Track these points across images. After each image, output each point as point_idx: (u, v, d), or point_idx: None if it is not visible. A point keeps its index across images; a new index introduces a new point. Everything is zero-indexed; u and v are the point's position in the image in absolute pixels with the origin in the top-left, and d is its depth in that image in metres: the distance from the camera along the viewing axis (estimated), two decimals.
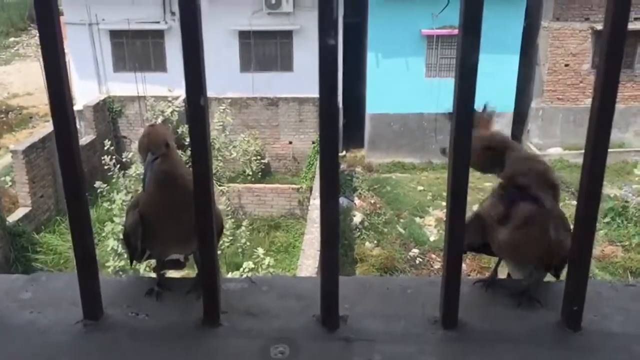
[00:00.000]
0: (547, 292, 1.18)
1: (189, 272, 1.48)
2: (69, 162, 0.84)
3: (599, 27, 15.83)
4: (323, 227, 0.87)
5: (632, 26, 15.99)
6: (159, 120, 13.00)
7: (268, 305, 1.11)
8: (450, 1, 15.11)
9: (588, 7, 15.87)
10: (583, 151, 0.94)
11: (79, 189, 0.86)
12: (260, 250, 9.84)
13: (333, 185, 0.83)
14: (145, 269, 6.86)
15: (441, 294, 0.94)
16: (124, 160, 12.55)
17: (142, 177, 1.26)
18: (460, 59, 0.76)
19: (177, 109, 13.93)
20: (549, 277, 1.31)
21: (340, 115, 14.93)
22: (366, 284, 1.19)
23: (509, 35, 15.77)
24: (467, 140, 0.82)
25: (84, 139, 14.20)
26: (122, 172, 11.63)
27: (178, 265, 1.45)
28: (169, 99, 14.51)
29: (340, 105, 15.15)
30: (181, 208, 1.20)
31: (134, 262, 1.41)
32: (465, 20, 0.74)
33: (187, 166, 1.23)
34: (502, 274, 1.35)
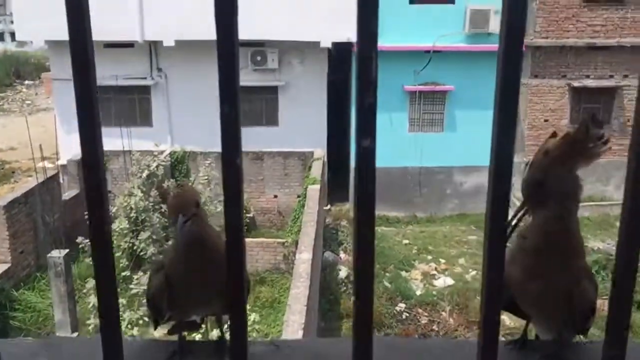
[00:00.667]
0: (579, 353, 1.15)
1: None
2: (98, 220, 0.82)
3: (575, 83, 16.33)
4: (357, 293, 0.85)
5: (607, 83, 16.53)
6: (145, 174, 12.97)
7: None
8: (432, 59, 15.55)
9: (565, 65, 16.38)
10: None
11: (106, 250, 0.84)
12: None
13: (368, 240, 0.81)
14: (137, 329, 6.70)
15: (478, 357, 0.90)
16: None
17: (173, 236, 1.25)
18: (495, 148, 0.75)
19: (162, 163, 13.94)
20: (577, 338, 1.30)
21: (325, 170, 15.04)
22: (392, 346, 1.16)
23: (489, 92, 16.13)
24: (506, 183, 0.80)
25: (67, 194, 14.10)
26: None
27: (194, 326, 1.43)
28: (155, 153, 14.54)
29: (325, 159, 15.29)
30: (210, 269, 1.20)
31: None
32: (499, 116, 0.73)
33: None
34: (531, 335, 1.33)
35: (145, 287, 1.34)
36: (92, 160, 0.77)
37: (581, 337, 1.29)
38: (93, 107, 0.75)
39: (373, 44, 0.65)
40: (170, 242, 11.99)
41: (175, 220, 1.20)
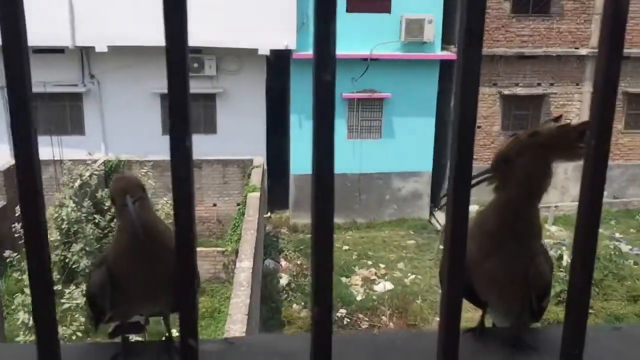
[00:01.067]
0: (537, 337, 1.17)
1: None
2: (33, 224, 0.77)
3: (506, 91, 16.96)
4: (316, 275, 0.83)
5: (535, 91, 17.24)
6: (77, 184, 12.53)
7: None
8: (369, 66, 15.79)
9: (495, 73, 16.98)
10: None
11: (42, 250, 0.79)
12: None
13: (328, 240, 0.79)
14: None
15: (439, 346, 0.89)
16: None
17: (124, 223, 1.16)
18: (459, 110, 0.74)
19: (96, 172, 13.50)
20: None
21: (265, 177, 14.97)
22: (353, 341, 1.15)
23: (424, 99, 16.56)
24: (467, 179, 0.80)
25: None
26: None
27: (137, 328, 1.34)
28: (88, 162, 14.07)
29: (265, 167, 15.22)
30: (158, 260, 1.13)
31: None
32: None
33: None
34: (487, 324, 1.33)
35: (84, 287, 1.27)
36: (29, 170, 0.73)
37: (537, 324, 1.32)
38: (29, 116, 0.71)
39: (332, 19, 0.64)
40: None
41: (123, 203, 1.14)
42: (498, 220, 1.20)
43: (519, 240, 1.21)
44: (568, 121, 1.17)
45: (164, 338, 1.18)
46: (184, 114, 0.75)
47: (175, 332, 1.08)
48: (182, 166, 0.76)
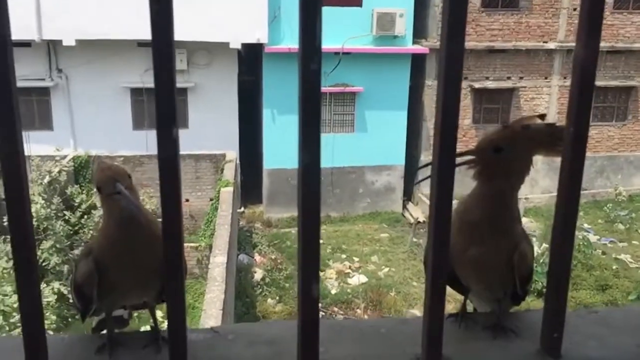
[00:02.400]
0: (518, 321, 1.19)
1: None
2: (16, 210, 0.76)
3: (476, 85, 17.15)
4: (303, 262, 0.83)
5: (505, 84, 17.46)
6: (46, 180, 12.30)
7: (238, 354, 1.03)
8: (341, 60, 15.80)
9: (466, 67, 17.13)
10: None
11: (27, 236, 0.77)
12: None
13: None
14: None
15: (424, 330, 0.90)
16: (4, 224, 11.67)
17: (111, 212, 1.15)
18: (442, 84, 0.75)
19: (65, 168, 13.26)
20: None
21: (238, 172, 14.89)
22: (337, 327, 1.15)
23: (396, 93, 16.65)
24: (451, 162, 0.81)
25: None
26: (3, 237, 10.79)
27: (121, 322, 1.34)
28: (56, 158, 13.82)
29: (237, 161, 15.14)
30: (145, 247, 1.13)
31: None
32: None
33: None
34: (469, 309, 1.36)
35: (70, 277, 1.25)
36: (13, 166, 0.72)
37: (518, 308, 1.34)
38: (13, 112, 0.70)
39: (317, 8, 0.64)
40: (74, 251, 11.44)
41: (113, 191, 1.12)
42: (482, 210, 1.22)
43: (503, 229, 1.24)
44: (553, 121, 1.22)
45: (149, 328, 1.17)
46: (170, 108, 0.75)
47: (161, 322, 1.07)
48: (169, 155, 0.76)
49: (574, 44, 0.79)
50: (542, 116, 1.23)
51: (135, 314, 1.50)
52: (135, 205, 1.14)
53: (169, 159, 0.76)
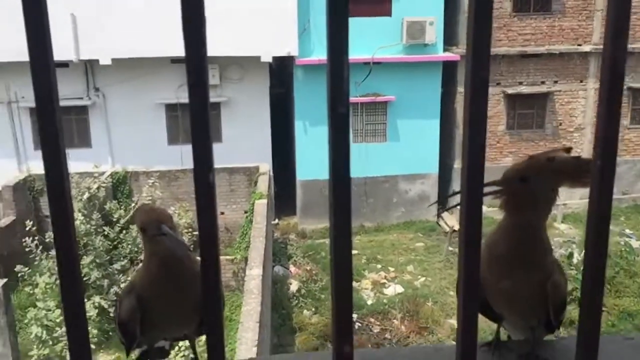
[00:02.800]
0: (552, 350, 1.17)
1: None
2: (65, 243, 0.79)
3: (510, 91, 16.93)
4: (336, 309, 0.83)
5: (539, 89, 17.21)
6: (85, 197, 12.58)
7: None
8: (372, 70, 15.81)
9: (498, 73, 16.96)
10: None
11: (75, 271, 0.80)
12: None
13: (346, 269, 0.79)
14: None
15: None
16: (47, 240, 11.97)
17: (153, 251, 1.20)
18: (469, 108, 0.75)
19: (103, 184, 13.56)
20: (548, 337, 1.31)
21: (272, 184, 14.99)
22: (372, 358, 1.15)
23: (428, 101, 16.55)
24: (479, 187, 0.80)
25: (3, 221, 13.49)
26: (45, 253, 11.07)
27: (162, 353, 1.39)
28: (95, 174, 14.14)
29: (271, 173, 15.24)
30: (186, 284, 1.17)
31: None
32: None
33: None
34: (502, 337, 1.34)
35: (115, 312, 1.30)
36: (58, 186, 0.75)
37: (552, 336, 1.32)
38: (57, 133, 0.72)
39: (344, 56, 0.65)
40: (114, 265, 11.65)
41: (158, 232, 1.17)
42: (511, 243, 1.22)
43: (533, 261, 1.24)
44: (578, 154, 1.23)
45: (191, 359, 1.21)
46: (205, 130, 0.76)
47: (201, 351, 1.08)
48: (206, 200, 0.77)
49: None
50: (569, 150, 1.24)
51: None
52: (180, 243, 1.19)
53: (206, 198, 0.77)
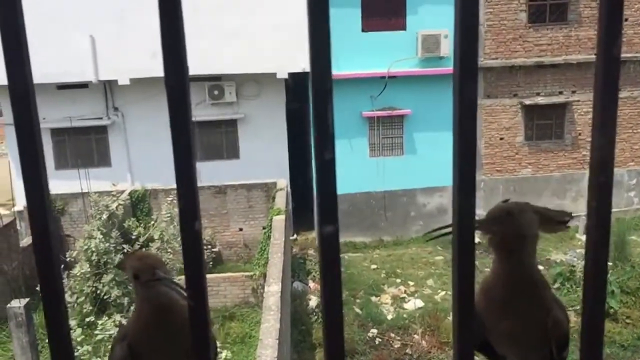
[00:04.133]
0: None
1: None
2: (46, 269, 0.79)
3: (527, 101, 16.82)
4: (326, 323, 0.82)
5: (557, 99, 17.08)
6: (104, 216, 12.70)
7: None
8: (387, 84, 15.83)
9: (515, 84, 16.88)
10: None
11: (58, 295, 0.80)
12: (217, 343, 9.50)
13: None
14: None
15: None
16: (67, 259, 12.09)
17: (143, 298, 1.20)
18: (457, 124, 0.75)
19: (122, 202, 13.68)
20: None
21: (289, 199, 15.00)
22: None
23: (445, 114, 16.50)
24: (470, 213, 0.79)
25: (25, 241, 13.66)
26: (66, 272, 11.17)
27: None
28: (114, 193, 14.28)
29: (289, 189, 15.27)
30: (178, 331, 1.16)
31: None
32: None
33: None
34: None
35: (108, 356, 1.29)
36: (39, 210, 0.74)
37: None
38: (37, 153, 0.72)
39: (328, 98, 0.65)
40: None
41: (152, 278, 1.17)
42: (506, 285, 1.23)
43: (531, 300, 1.24)
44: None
45: None
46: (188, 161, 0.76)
47: None
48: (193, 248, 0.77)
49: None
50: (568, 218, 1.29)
51: None
52: (177, 286, 1.17)
53: (193, 249, 0.76)
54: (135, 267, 1.21)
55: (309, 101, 15.38)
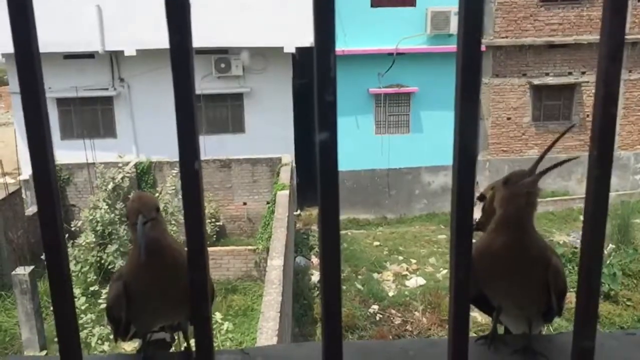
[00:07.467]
0: (549, 345, 1.17)
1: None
2: (50, 230, 0.79)
3: (536, 81, 16.67)
4: (324, 297, 0.83)
5: (566, 80, 16.92)
6: (110, 187, 12.75)
7: None
8: (395, 61, 15.69)
9: (524, 64, 16.71)
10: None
11: (61, 261, 0.81)
12: (218, 315, 9.59)
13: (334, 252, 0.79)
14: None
15: (449, 355, 0.89)
16: (72, 229, 12.18)
17: (136, 240, 1.20)
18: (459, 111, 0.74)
19: (127, 174, 13.72)
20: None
21: (294, 175, 15.02)
22: (365, 350, 1.15)
23: (452, 92, 16.35)
24: (471, 181, 0.79)
25: (30, 209, 13.76)
26: (71, 241, 11.26)
27: (164, 346, 1.39)
28: (120, 165, 14.32)
29: (293, 164, 15.27)
30: (170, 276, 1.17)
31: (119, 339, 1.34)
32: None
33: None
34: (500, 331, 1.33)
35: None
36: (44, 179, 0.74)
37: (550, 328, 1.31)
38: (42, 122, 0.71)
39: (331, 42, 0.64)
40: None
41: (135, 223, 1.17)
42: (507, 242, 1.21)
43: (529, 251, 1.22)
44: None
45: (182, 348, 1.21)
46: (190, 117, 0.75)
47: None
48: (192, 189, 0.77)
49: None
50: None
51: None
52: (145, 240, 1.17)
53: (192, 193, 0.76)
54: (126, 209, 1.24)
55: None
